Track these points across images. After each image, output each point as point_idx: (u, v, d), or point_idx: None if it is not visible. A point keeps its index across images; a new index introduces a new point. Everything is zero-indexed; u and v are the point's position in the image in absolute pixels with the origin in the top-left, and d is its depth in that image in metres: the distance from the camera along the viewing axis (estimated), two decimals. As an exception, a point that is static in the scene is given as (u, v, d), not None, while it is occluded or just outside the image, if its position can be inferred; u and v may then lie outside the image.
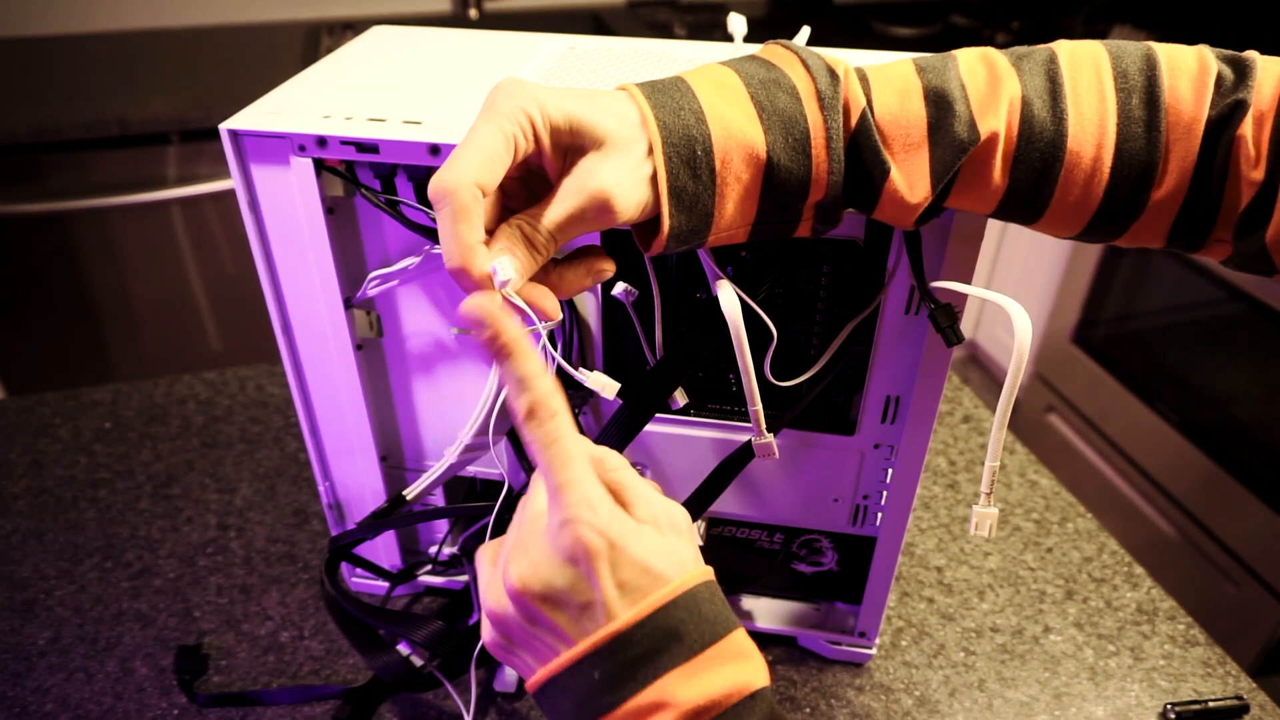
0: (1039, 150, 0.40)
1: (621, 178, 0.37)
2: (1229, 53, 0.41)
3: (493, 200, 0.38)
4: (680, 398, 0.58)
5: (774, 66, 0.40)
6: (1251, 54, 0.41)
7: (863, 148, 0.39)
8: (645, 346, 0.57)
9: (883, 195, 0.40)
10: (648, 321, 0.56)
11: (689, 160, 0.38)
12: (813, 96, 0.39)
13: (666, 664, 0.35)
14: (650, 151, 0.38)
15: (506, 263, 0.36)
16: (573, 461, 0.36)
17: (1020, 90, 0.40)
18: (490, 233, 0.37)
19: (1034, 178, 0.40)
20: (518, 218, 0.37)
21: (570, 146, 0.37)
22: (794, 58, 0.40)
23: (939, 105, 0.39)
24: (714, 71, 0.40)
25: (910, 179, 0.40)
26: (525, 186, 0.40)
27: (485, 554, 0.41)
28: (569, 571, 0.35)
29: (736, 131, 0.38)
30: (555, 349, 0.58)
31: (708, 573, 0.38)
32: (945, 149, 0.39)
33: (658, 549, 0.36)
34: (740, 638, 0.37)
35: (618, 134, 0.37)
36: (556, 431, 0.35)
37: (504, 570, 0.37)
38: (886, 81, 0.40)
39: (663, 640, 0.35)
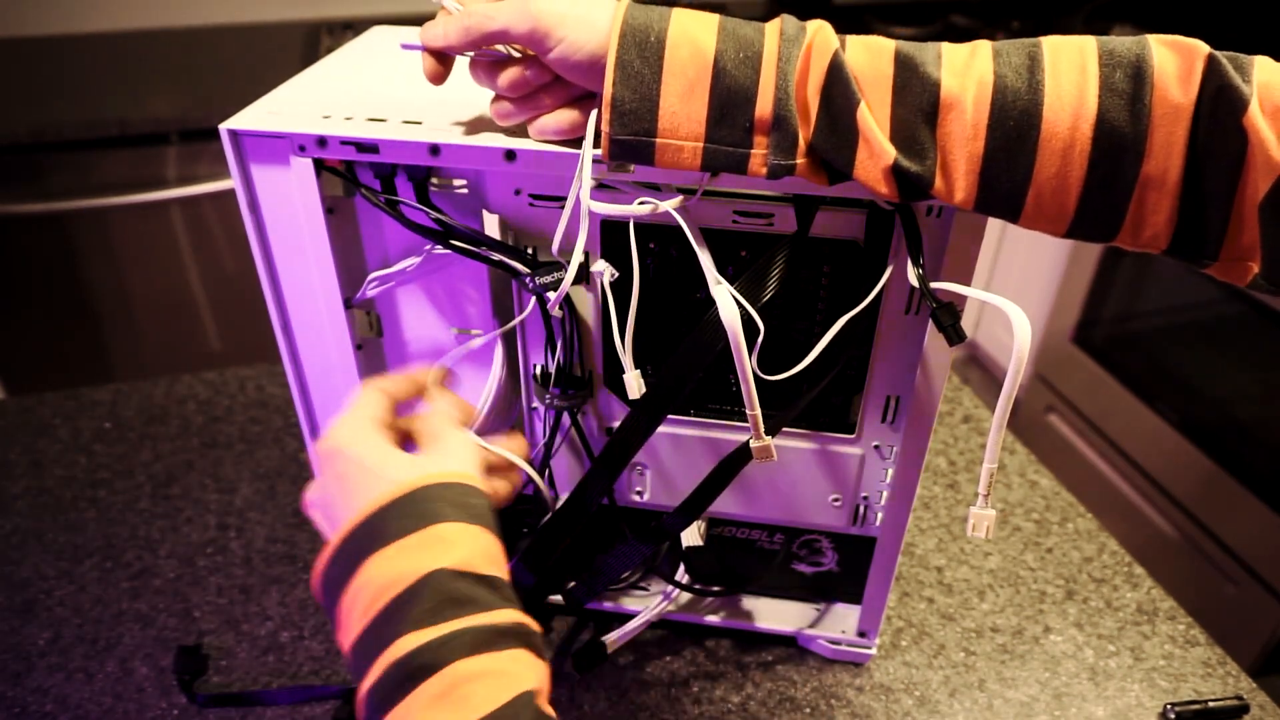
0: (1013, 118, 0.41)
1: (563, 9, 0.43)
2: (1226, 52, 0.41)
3: None
4: (636, 383, 0.56)
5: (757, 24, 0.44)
6: (1253, 57, 0.41)
7: (835, 88, 0.42)
8: (616, 330, 0.55)
9: (859, 131, 0.42)
10: (623, 307, 0.55)
11: (641, 43, 0.42)
12: (776, 33, 0.43)
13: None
14: (609, 34, 0.42)
15: None
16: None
17: (994, 65, 0.42)
18: None
19: (1010, 145, 0.41)
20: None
21: None
22: (776, 22, 0.44)
23: (906, 66, 0.42)
24: (700, 11, 0.45)
25: (881, 120, 0.42)
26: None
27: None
28: None
29: (692, 35, 0.43)
30: (555, 351, 0.58)
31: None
32: (907, 107, 0.42)
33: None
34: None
35: None
36: None
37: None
38: (862, 43, 0.44)
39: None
